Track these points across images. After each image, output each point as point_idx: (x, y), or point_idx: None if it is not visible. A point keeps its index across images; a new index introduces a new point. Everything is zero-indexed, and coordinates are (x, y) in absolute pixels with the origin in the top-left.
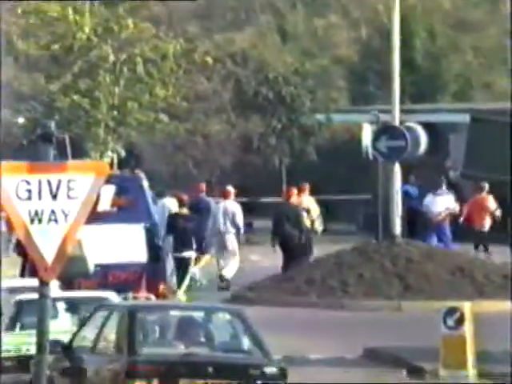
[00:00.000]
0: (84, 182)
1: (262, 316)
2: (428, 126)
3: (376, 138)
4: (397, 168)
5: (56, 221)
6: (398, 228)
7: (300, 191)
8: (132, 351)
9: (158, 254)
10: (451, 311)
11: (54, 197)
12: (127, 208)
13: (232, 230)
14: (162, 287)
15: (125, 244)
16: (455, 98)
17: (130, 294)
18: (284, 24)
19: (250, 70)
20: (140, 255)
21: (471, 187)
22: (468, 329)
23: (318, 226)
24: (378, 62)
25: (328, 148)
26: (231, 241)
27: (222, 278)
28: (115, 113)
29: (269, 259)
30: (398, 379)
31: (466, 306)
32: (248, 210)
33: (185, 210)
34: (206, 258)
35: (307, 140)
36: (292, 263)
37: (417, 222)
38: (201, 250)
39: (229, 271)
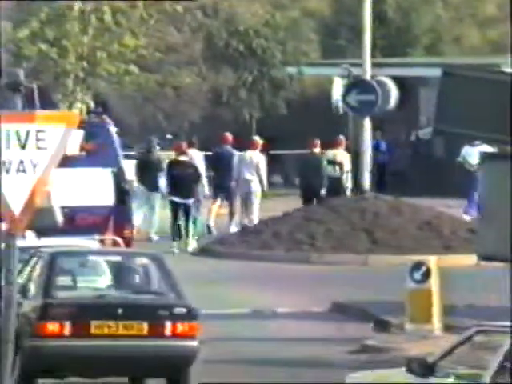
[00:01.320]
0: (54, 132)
1: (229, 269)
2: (399, 80)
3: (346, 91)
4: (367, 122)
5: (24, 171)
6: (367, 182)
7: (336, 145)
8: (47, 294)
9: (125, 198)
10: (418, 265)
11: (23, 147)
12: (95, 153)
13: (256, 180)
14: (126, 231)
15: (92, 188)
16: (426, 52)
17: (97, 237)
18: None
19: (221, 21)
20: (107, 199)
21: (442, 143)
22: (434, 283)
23: (346, 182)
24: (349, 16)
25: (298, 102)
26: (255, 190)
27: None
28: (84, 63)
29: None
30: (365, 333)
31: (433, 261)
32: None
33: (182, 158)
34: (215, 206)
35: (277, 93)
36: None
37: (384, 176)
38: (219, 198)
39: (254, 219)
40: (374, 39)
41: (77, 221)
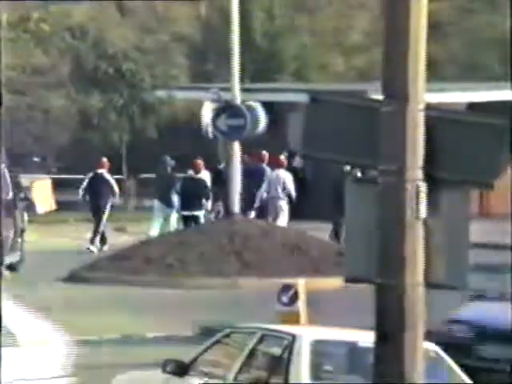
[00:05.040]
0: None
1: (99, 295)
2: (267, 105)
3: (216, 116)
4: (236, 146)
5: None
6: (236, 206)
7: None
8: None
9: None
10: (286, 288)
11: None
12: None
13: (284, 197)
14: None
15: None
16: (293, 78)
17: None
18: None
19: (89, 44)
20: None
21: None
22: (302, 306)
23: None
24: (217, 41)
25: (168, 125)
26: (282, 206)
27: None
28: None
29: (111, 238)
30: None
31: (301, 283)
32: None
33: (199, 175)
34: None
35: (147, 117)
36: None
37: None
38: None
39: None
40: (242, 64)
41: None
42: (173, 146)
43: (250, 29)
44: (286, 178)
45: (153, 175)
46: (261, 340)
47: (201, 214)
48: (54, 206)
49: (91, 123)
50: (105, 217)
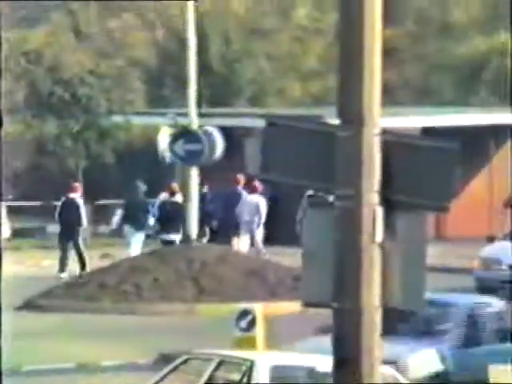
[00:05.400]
0: None
1: (54, 323)
2: (225, 130)
3: (173, 141)
4: (194, 172)
5: None
6: (194, 231)
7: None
8: None
9: None
10: (243, 314)
11: None
12: None
13: (258, 222)
14: None
15: None
16: (250, 103)
17: None
18: (77, 23)
19: (45, 69)
20: None
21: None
22: (259, 331)
23: None
24: (174, 65)
25: (125, 150)
26: (257, 231)
27: None
28: None
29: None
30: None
31: (258, 308)
32: (42, 213)
33: (175, 199)
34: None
35: (104, 142)
36: None
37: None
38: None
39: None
40: (199, 89)
41: None
42: (130, 172)
43: (207, 54)
44: (260, 202)
45: (111, 201)
46: (219, 366)
47: (177, 237)
48: (8, 233)
49: (47, 149)
50: (80, 241)
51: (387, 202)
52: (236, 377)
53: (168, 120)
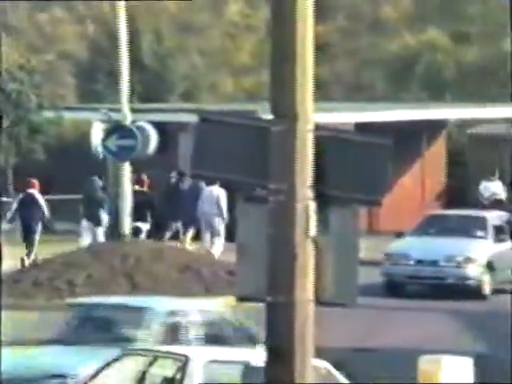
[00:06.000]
0: None
1: None
2: (158, 126)
3: (106, 136)
4: (126, 167)
5: None
6: (127, 227)
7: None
8: None
9: None
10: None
11: None
12: None
13: (217, 212)
14: None
15: None
16: (183, 98)
17: None
18: (6, 18)
19: None
20: None
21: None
22: None
23: None
24: (106, 61)
25: (57, 146)
26: (217, 222)
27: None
28: None
29: None
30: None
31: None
32: None
33: (144, 189)
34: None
35: (35, 138)
36: None
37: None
38: (185, 227)
39: (216, 250)
40: (131, 84)
41: None
42: (62, 167)
43: (139, 49)
44: (220, 194)
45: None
46: (153, 362)
47: (146, 227)
48: None
49: None
50: (37, 238)
51: (320, 197)
52: (170, 372)
53: (101, 115)
